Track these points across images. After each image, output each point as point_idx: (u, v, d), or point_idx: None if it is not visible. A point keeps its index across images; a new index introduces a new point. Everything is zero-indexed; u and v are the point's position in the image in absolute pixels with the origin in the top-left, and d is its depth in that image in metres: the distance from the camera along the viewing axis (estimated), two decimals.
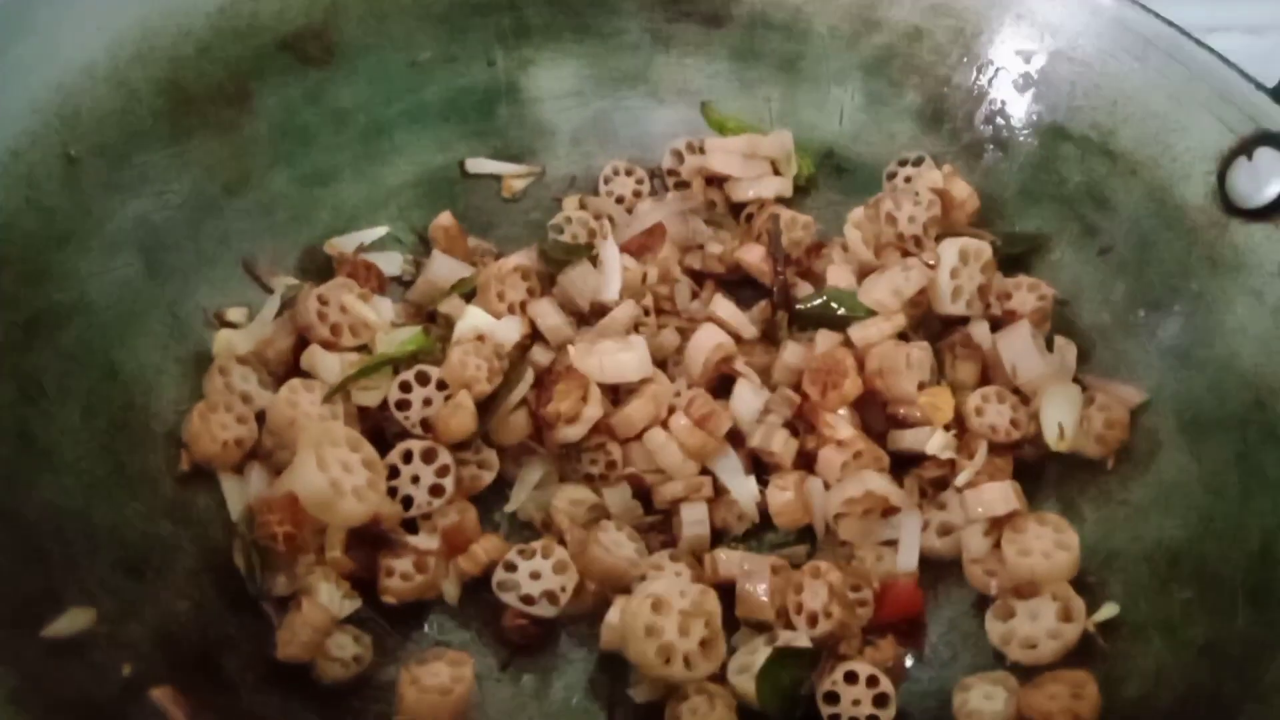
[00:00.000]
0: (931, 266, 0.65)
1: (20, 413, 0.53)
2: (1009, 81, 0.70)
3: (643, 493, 0.62)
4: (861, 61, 0.73)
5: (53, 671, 0.46)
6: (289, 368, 0.63)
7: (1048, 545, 0.58)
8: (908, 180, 0.72)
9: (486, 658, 0.58)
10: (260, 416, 0.60)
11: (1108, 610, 0.57)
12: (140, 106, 0.61)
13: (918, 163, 0.72)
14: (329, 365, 0.61)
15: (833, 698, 0.55)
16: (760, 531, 0.62)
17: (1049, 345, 0.65)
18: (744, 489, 0.62)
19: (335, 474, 0.54)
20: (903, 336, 0.64)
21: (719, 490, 0.62)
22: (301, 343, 0.63)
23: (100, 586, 0.51)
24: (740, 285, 0.71)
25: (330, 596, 0.55)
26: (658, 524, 0.62)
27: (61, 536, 0.51)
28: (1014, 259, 0.68)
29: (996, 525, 0.59)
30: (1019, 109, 0.70)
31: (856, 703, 0.54)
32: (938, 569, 0.61)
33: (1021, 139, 0.70)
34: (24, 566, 0.49)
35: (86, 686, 0.47)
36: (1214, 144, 0.62)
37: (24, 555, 0.49)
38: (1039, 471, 0.63)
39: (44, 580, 0.49)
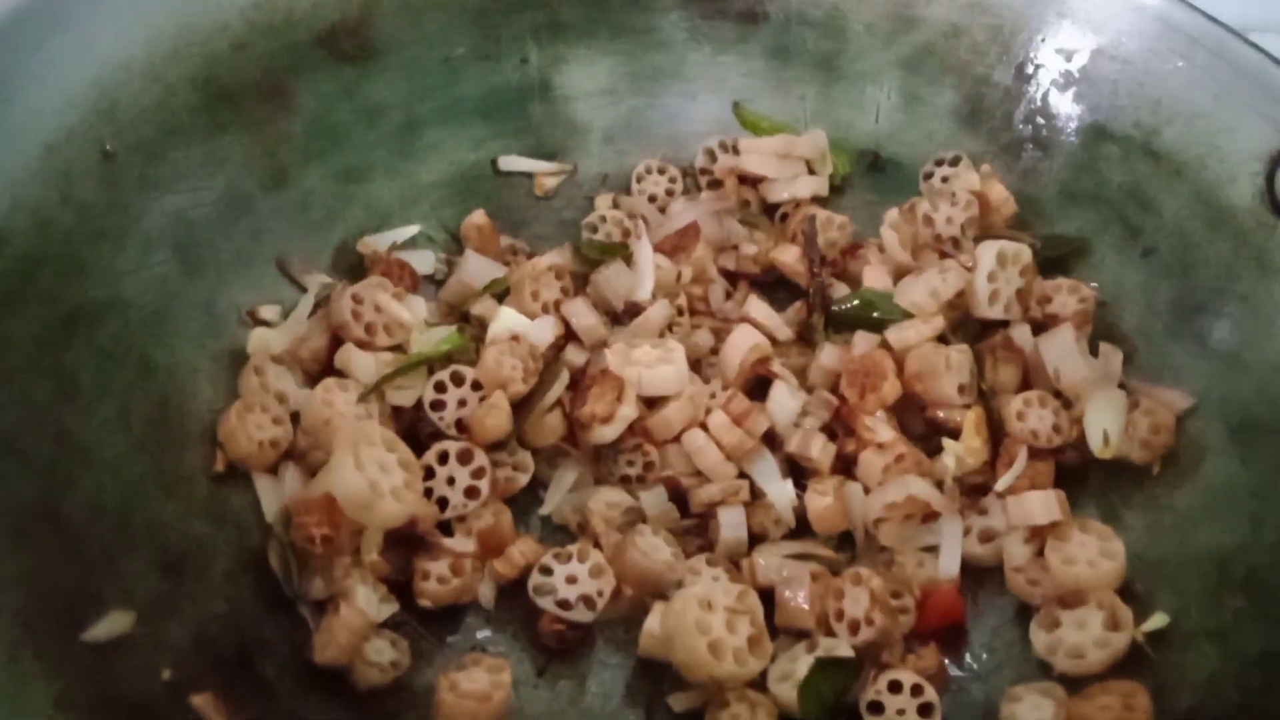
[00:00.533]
0: (969, 269, 0.64)
1: (58, 411, 0.52)
2: (1049, 80, 0.69)
3: (679, 496, 0.61)
4: (899, 59, 0.72)
5: (96, 675, 0.46)
6: (323, 367, 0.62)
7: (1092, 554, 0.57)
8: (945, 181, 0.71)
9: (523, 663, 0.57)
10: (295, 416, 0.60)
11: (1157, 620, 0.55)
12: (176, 102, 0.61)
13: (955, 162, 0.71)
14: (364, 364, 0.60)
15: (877, 707, 0.54)
16: (797, 537, 0.61)
17: (1092, 349, 0.64)
18: (781, 493, 0.61)
19: (373, 475, 0.53)
20: (942, 339, 0.63)
21: (755, 494, 0.61)
22: (336, 342, 0.62)
23: (139, 586, 0.51)
24: (774, 286, 0.70)
25: (368, 600, 0.54)
26: (694, 528, 0.61)
27: (101, 537, 0.51)
28: (1054, 261, 0.67)
29: (1038, 533, 0.58)
30: (1060, 108, 0.69)
31: (901, 712, 0.54)
32: (978, 575, 0.60)
33: (1062, 139, 0.69)
34: (65, 567, 0.48)
35: (129, 689, 0.47)
36: (1262, 145, 0.61)
37: (65, 555, 0.49)
38: (1081, 476, 0.62)
39: (84, 580, 0.49)
